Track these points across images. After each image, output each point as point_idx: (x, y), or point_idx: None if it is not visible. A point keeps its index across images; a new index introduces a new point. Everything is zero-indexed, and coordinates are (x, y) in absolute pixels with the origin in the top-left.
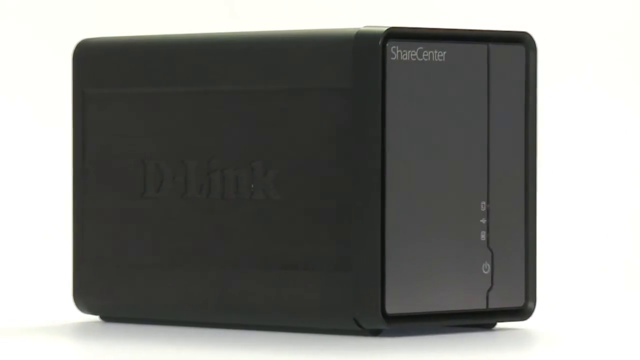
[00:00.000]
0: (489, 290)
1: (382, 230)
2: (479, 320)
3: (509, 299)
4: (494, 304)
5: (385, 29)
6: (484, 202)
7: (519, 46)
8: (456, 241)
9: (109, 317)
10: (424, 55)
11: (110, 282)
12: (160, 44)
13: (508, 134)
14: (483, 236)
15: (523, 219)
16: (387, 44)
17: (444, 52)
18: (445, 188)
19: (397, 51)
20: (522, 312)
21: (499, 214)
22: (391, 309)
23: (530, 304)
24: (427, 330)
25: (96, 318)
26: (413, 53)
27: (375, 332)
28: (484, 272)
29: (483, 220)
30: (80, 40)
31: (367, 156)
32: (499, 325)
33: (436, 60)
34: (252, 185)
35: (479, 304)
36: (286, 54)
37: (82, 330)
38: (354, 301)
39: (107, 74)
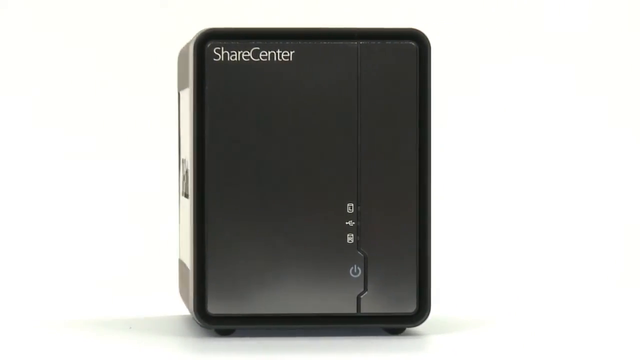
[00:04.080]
0: (360, 295)
1: (201, 232)
2: (348, 324)
3: (395, 304)
4: (370, 309)
5: (205, 30)
6: (351, 204)
7: (409, 43)
8: (310, 243)
9: None
10: (261, 55)
11: None
12: None
13: (385, 135)
14: (350, 239)
15: (414, 224)
16: (208, 45)
17: (292, 52)
18: (288, 190)
19: (222, 52)
20: (412, 317)
21: (379, 218)
22: (215, 309)
23: (421, 310)
24: (319, 332)
25: None
26: (245, 53)
27: (225, 332)
28: (352, 275)
29: (350, 223)
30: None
31: (193, 157)
32: (410, 330)
33: (280, 60)
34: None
35: (348, 308)
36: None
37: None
38: (193, 301)
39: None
